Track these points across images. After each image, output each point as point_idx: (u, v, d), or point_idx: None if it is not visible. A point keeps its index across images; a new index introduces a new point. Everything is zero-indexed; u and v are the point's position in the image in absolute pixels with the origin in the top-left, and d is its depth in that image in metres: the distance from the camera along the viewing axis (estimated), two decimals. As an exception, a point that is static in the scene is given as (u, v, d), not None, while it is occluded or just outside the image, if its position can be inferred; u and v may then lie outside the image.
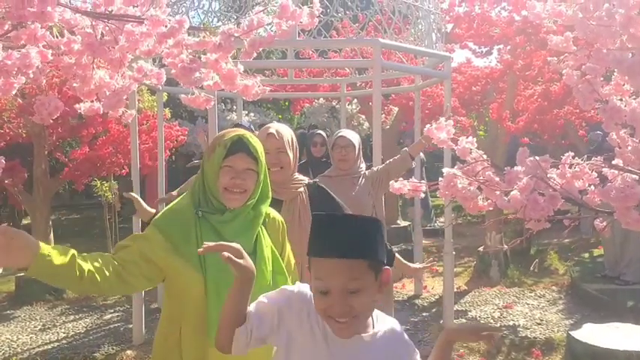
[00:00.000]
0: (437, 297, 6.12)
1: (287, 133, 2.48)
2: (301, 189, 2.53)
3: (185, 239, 1.79)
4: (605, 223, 2.18)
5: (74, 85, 2.00)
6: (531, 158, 2.06)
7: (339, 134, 3.63)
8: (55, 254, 1.56)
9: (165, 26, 1.75)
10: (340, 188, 3.31)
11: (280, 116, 14.33)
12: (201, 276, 1.76)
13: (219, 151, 1.84)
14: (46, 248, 1.55)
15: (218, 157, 1.84)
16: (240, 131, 1.88)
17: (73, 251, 1.63)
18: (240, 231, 1.83)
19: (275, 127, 2.49)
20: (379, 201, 3.66)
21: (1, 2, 1.70)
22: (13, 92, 1.63)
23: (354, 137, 3.59)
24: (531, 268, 7.02)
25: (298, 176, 2.57)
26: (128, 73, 2.02)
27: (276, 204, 2.21)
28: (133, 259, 1.76)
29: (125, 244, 1.82)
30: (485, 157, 2.14)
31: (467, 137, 2.23)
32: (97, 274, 1.65)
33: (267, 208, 1.95)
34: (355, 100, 10.83)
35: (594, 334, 4.03)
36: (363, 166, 3.68)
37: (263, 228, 1.93)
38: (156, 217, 1.91)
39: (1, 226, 1.49)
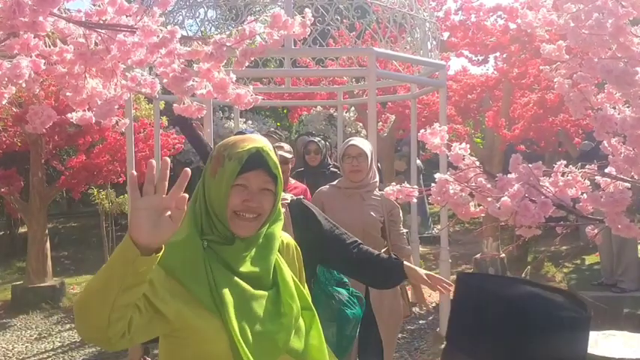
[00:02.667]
0: (433, 305, 6.10)
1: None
2: (283, 209, 2.21)
3: (194, 277, 1.41)
4: (596, 231, 2.18)
5: (67, 94, 2.01)
6: (524, 165, 2.07)
7: (350, 143, 3.24)
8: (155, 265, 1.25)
9: (158, 36, 1.76)
10: (349, 201, 3.13)
11: (279, 124, 14.35)
12: (220, 322, 1.39)
13: (232, 165, 1.46)
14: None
15: (229, 173, 1.46)
16: (257, 142, 1.52)
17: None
18: (256, 262, 1.50)
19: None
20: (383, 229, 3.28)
21: (-7, 12, 1.70)
22: (4, 102, 1.63)
23: (366, 146, 3.23)
24: (523, 276, 7.01)
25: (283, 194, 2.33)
26: (122, 82, 2.03)
27: None
28: (137, 305, 1.31)
29: None
30: (478, 163, 2.15)
31: (461, 144, 2.24)
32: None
33: (280, 232, 1.62)
34: (353, 108, 10.85)
35: (590, 341, 4.02)
36: (378, 177, 3.32)
37: (279, 255, 1.59)
38: None
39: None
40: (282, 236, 1.65)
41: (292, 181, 3.85)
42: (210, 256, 1.44)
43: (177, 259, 1.41)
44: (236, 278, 1.44)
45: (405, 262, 2.22)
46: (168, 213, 1.20)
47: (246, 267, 1.47)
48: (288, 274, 1.58)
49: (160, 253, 1.22)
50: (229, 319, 1.38)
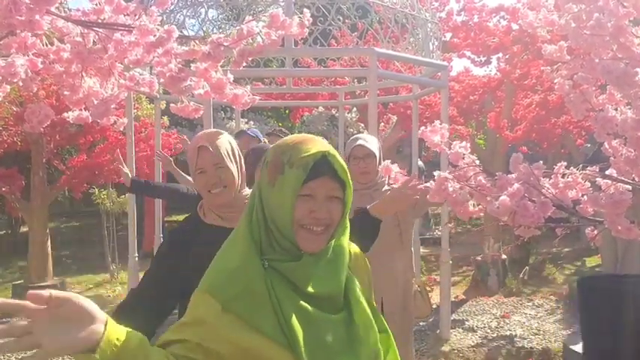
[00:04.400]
0: (434, 306, 6.08)
1: (224, 141, 1.96)
2: None
3: (257, 307, 1.21)
4: (596, 232, 2.17)
5: (64, 93, 2.00)
6: (524, 165, 2.06)
7: (357, 143, 3.01)
8: (124, 337, 1.07)
9: (154, 35, 1.76)
10: (358, 203, 2.96)
11: (280, 124, 14.36)
12: (290, 355, 1.20)
13: (295, 174, 1.27)
14: (113, 324, 1.06)
15: (293, 182, 1.27)
16: (320, 144, 1.33)
17: (142, 337, 1.13)
18: (325, 280, 1.29)
19: (207, 136, 1.96)
20: (407, 224, 3.09)
21: (-11, 11, 1.69)
22: (-2, 101, 1.63)
23: (374, 144, 3.02)
24: (521, 275, 6.99)
25: (249, 192, 2.02)
26: (121, 82, 2.02)
27: (226, 235, 1.90)
28: (192, 358, 1.19)
29: (176, 337, 1.22)
30: (477, 162, 2.13)
31: (461, 143, 2.22)
32: None
33: (347, 242, 1.40)
34: (355, 109, 10.85)
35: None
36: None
37: (349, 270, 1.38)
38: (205, 279, 1.30)
39: (44, 292, 0.96)
40: (350, 246, 1.44)
41: None
42: (272, 277, 1.24)
43: (235, 288, 1.22)
44: (303, 302, 1.24)
45: (368, 206, 2.07)
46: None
47: (315, 287, 1.26)
48: (360, 291, 1.37)
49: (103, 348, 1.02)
50: (300, 354, 1.19)
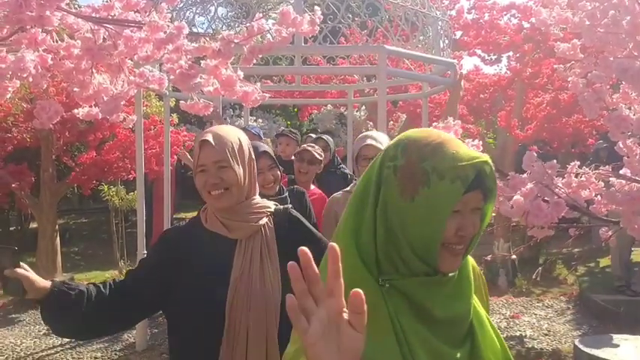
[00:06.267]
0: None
1: (231, 137, 1.73)
2: (264, 221, 1.74)
3: (380, 338, 1.01)
4: (610, 233, 2.14)
5: (74, 89, 2.00)
6: (538, 163, 2.04)
7: (366, 142, 2.80)
8: None
9: (165, 32, 1.75)
10: None
11: (289, 122, 14.36)
12: None
13: (449, 189, 1.02)
14: None
15: (447, 198, 1.02)
16: (469, 149, 1.07)
17: None
18: (454, 301, 1.09)
19: (214, 131, 1.74)
20: None
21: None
22: (8, 96, 1.62)
23: (383, 142, 2.80)
24: (534, 277, 6.95)
25: (259, 200, 1.79)
26: (130, 78, 2.01)
27: (226, 245, 1.70)
28: None
29: None
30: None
31: (473, 141, 2.20)
32: None
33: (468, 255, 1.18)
34: (363, 107, 10.82)
35: (602, 345, 3.97)
36: None
37: None
38: None
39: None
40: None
41: (312, 186, 3.75)
42: (393, 298, 1.04)
43: None
44: (428, 333, 1.05)
45: None
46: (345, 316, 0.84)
47: (444, 309, 1.06)
48: (483, 314, 1.17)
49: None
50: None
